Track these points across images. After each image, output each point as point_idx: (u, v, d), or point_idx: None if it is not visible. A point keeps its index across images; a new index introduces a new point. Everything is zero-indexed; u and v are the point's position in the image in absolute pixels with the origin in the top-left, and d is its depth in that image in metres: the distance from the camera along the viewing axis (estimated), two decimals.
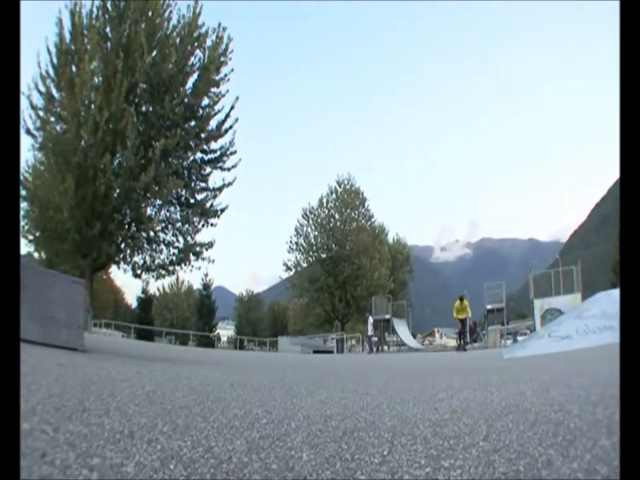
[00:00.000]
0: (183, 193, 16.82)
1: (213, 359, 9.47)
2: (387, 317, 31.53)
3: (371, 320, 26.06)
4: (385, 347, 30.42)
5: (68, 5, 13.55)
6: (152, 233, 17.91)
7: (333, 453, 1.36)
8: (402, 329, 31.14)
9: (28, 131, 13.91)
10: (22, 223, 21.65)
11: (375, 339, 26.86)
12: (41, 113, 14.15)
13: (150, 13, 13.50)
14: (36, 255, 25.03)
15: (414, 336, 34.22)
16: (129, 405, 1.90)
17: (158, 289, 56.04)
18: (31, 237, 22.62)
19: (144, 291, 49.44)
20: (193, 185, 16.87)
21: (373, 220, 42.99)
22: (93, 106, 12.93)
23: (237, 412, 2.01)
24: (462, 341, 17.84)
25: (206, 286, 53.20)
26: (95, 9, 13.55)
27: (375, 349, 26.25)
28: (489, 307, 27.16)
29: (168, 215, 17.93)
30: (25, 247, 23.11)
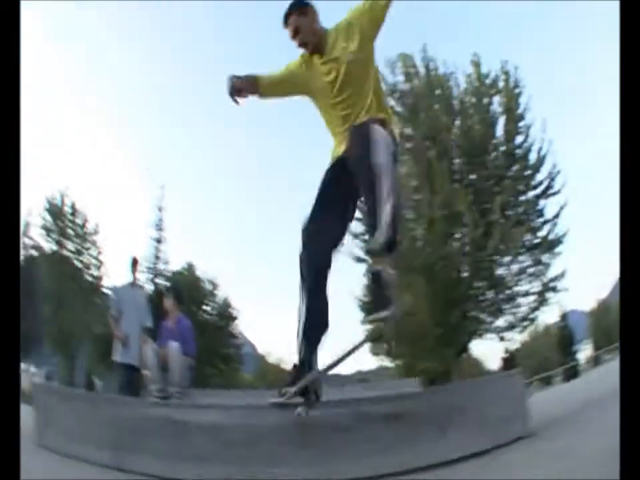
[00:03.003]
0: (527, 237, 15.90)
1: None
2: None
3: None
4: None
5: None
6: (508, 291, 17.18)
7: None
8: None
9: None
10: None
11: None
12: None
13: (438, 91, 13.45)
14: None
15: None
16: None
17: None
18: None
19: (507, 351, 49.46)
20: (534, 225, 15.90)
21: None
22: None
23: None
24: None
25: (563, 316, 51.00)
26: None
27: None
28: None
29: (518, 265, 17.00)
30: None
